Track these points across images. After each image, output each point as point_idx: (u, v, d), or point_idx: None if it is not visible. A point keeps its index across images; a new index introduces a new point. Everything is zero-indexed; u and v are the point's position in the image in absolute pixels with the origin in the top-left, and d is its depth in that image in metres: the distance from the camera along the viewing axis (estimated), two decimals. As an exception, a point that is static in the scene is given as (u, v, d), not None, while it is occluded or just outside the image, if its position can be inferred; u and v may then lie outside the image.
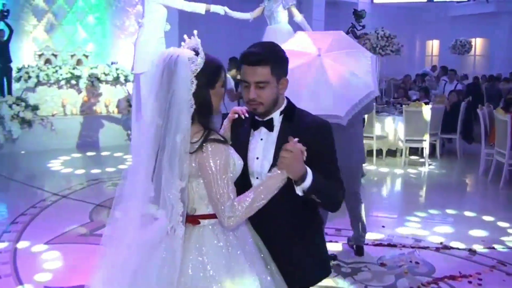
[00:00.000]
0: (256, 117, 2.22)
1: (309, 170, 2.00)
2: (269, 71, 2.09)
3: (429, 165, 8.83)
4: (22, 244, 4.86)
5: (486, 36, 19.63)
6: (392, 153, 9.43)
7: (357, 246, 4.70)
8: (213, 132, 1.98)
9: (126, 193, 2.00)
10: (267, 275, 2.05)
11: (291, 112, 2.21)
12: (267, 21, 6.71)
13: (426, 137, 8.61)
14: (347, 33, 9.11)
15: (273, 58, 2.12)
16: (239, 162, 2.07)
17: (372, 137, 8.50)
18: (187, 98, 1.92)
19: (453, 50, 16.65)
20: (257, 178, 2.20)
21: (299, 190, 2.02)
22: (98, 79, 10.78)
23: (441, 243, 5.00)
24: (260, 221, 2.14)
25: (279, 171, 1.98)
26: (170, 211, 1.93)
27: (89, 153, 9.65)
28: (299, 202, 2.12)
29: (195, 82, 1.93)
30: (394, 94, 12.42)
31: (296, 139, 1.97)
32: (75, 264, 4.33)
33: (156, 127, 1.95)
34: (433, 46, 21.95)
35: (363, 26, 10.66)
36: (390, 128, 9.05)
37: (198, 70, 1.94)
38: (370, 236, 5.02)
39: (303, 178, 1.99)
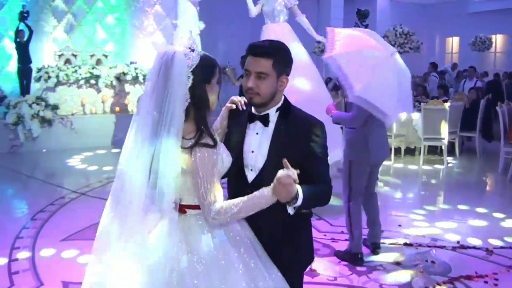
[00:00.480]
0: (253, 111, 2.30)
1: (299, 192, 2.03)
2: (271, 65, 2.19)
3: (448, 163, 8.75)
4: (40, 240, 4.95)
5: (506, 32, 19.29)
6: (410, 151, 9.37)
7: (373, 244, 4.69)
8: (205, 135, 2.06)
9: (125, 184, 2.08)
10: (256, 260, 2.12)
11: (287, 110, 2.29)
12: (264, 19, 6.59)
13: (445, 135, 8.52)
14: None
15: (277, 54, 2.21)
16: (228, 159, 2.16)
17: (390, 135, 8.43)
18: (183, 92, 2.02)
19: (473, 47, 16.43)
20: (251, 170, 2.28)
21: (290, 210, 2.07)
22: (118, 78, 10.93)
23: (458, 242, 4.95)
24: (252, 226, 2.24)
25: (271, 194, 2.01)
26: (164, 199, 2.02)
27: (107, 151, 9.77)
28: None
29: (191, 77, 2.04)
30: (413, 92, 12.29)
31: (294, 171, 1.98)
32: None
33: (152, 120, 2.03)
34: (453, 43, 21.69)
35: (366, 26, 10.62)
36: (408, 126, 8.97)
37: (195, 65, 2.05)
38: (386, 235, 5.01)
39: (294, 198, 2.03)
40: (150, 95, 2.04)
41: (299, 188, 2.03)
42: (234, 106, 2.42)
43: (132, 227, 2.03)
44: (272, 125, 2.27)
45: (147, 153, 2.03)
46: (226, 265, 2.04)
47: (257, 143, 2.27)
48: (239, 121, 2.36)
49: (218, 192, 2.06)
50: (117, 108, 11.00)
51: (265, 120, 2.27)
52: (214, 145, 2.06)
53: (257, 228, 2.24)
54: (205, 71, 2.08)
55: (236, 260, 2.06)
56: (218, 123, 2.45)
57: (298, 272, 2.43)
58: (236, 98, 2.43)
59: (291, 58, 2.28)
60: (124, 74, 11.02)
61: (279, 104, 2.29)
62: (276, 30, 6.36)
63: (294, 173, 1.98)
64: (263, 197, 2.03)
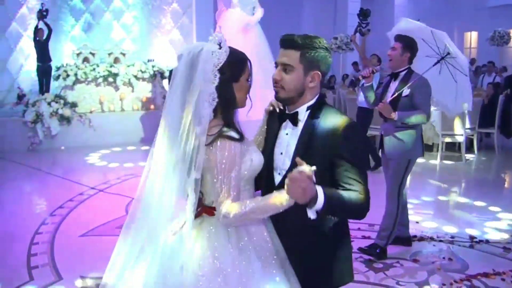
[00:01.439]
0: (286, 110, 2.17)
1: (320, 192, 1.85)
2: (298, 57, 2.05)
3: (466, 160, 8.66)
4: (59, 236, 5.03)
5: (526, 26, 18.96)
6: (428, 148, 9.27)
7: (406, 237, 4.74)
8: (230, 129, 1.97)
9: (152, 185, 2.04)
10: (280, 274, 2.01)
11: (319, 109, 2.11)
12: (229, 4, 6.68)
13: (463, 131, 8.44)
14: (355, 32, 9.06)
15: (307, 47, 2.05)
16: (258, 160, 2.07)
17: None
18: (209, 91, 1.94)
19: (492, 41, 16.16)
20: (279, 174, 2.14)
21: (310, 213, 1.87)
22: (136, 76, 11.04)
23: (475, 239, 4.91)
24: (280, 238, 2.12)
25: (286, 195, 1.85)
26: (186, 201, 1.98)
27: (125, 148, 9.86)
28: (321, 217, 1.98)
29: (218, 75, 1.95)
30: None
31: (309, 167, 1.80)
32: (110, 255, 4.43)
33: (178, 119, 1.97)
34: (472, 38, 21.38)
35: (368, 23, 10.60)
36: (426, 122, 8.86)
37: (221, 63, 1.96)
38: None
39: (314, 200, 1.84)
40: (176, 92, 1.98)
41: (319, 189, 1.85)
42: (271, 108, 2.29)
43: (155, 233, 2.01)
44: (301, 124, 2.11)
45: (174, 152, 1.98)
46: (247, 274, 1.95)
47: (286, 144, 2.13)
48: (274, 124, 2.23)
49: (234, 188, 1.94)
50: (135, 106, 11.18)
51: (294, 119, 2.12)
52: (239, 139, 1.97)
53: (285, 241, 2.11)
54: (233, 69, 1.99)
55: (258, 271, 1.96)
56: (259, 128, 2.34)
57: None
58: (275, 101, 2.26)
59: (325, 55, 2.09)
60: (142, 72, 11.12)
61: (311, 102, 2.12)
62: (240, 18, 6.38)
63: (308, 169, 1.79)
64: (278, 197, 1.88)
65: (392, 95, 4.36)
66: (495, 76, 12.48)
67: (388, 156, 4.46)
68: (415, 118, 4.28)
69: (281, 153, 2.14)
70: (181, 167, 1.96)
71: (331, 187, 1.98)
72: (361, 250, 4.50)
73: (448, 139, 8.74)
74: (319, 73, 2.09)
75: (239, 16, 6.50)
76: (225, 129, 1.96)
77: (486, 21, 18.68)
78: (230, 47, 2.02)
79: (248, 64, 2.06)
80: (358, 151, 2.06)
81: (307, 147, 2.06)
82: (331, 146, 2.01)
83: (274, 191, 1.94)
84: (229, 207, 1.91)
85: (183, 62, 1.98)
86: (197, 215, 2.04)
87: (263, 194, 2.15)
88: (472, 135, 9.05)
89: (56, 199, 6.33)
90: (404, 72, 4.40)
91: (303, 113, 2.12)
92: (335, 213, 2.00)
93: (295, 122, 2.12)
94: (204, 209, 2.05)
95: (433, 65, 4.46)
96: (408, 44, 4.34)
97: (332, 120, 2.06)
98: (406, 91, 4.28)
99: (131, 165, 8.18)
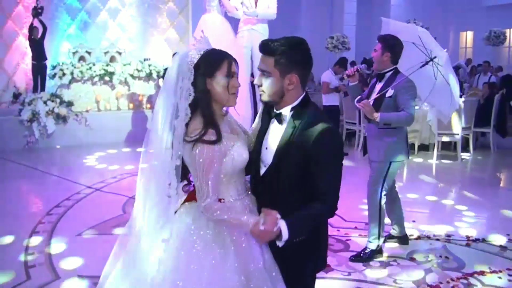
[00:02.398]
0: (275, 109, 2.29)
1: (283, 229, 2.02)
2: (273, 63, 2.15)
3: (462, 159, 8.69)
4: (56, 235, 5.01)
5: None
6: (424, 147, 9.32)
7: (403, 236, 4.76)
8: (209, 131, 2.12)
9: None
10: (258, 260, 2.16)
11: (301, 110, 2.22)
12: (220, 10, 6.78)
13: (459, 130, 8.47)
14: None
15: (281, 51, 2.14)
16: (240, 158, 2.20)
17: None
18: (186, 87, 2.14)
19: (487, 41, 16.22)
20: (264, 166, 2.28)
21: (279, 243, 2.07)
22: (132, 75, 11.03)
23: (471, 237, 4.93)
24: None
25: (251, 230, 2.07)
26: (169, 186, 2.17)
27: (121, 147, 9.85)
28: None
29: (193, 72, 2.15)
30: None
31: (273, 218, 2.01)
32: (108, 254, 4.42)
33: (166, 114, 2.17)
34: (467, 37, 21.45)
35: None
36: (422, 122, 8.91)
37: (194, 62, 2.16)
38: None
39: (280, 236, 2.03)
40: (164, 90, 2.20)
41: (283, 226, 2.02)
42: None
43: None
44: (285, 124, 2.23)
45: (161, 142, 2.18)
46: (220, 256, 2.12)
47: (271, 140, 2.26)
48: (266, 118, 2.35)
49: (212, 188, 2.12)
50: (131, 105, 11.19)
51: (278, 118, 2.24)
52: (216, 141, 2.11)
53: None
54: (207, 65, 2.16)
55: (231, 252, 2.13)
56: (257, 117, 2.48)
57: (307, 277, 2.36)
58: None
59: (302, 56, 2.19)
60: (138, 71, 11.13)
61: (295, 103, 2.22)
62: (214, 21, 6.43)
63: (270, 220, 2.00)
64: (246, 223, 2.07)
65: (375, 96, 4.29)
66: (491, 76, 12.55)
67: (370, 158, 4.42)
68: (397, 120, 4.16)
69: (266, 148, 2.28)
70: (165, 152, 2.16)
71: (305, 188, 2.15)
72: (356, 259, 4.43)
73: (444, 139, 8.76)
74: (297, 75, 2.18)
75: (221, 20, 6.62)
76: (203, 132, 2.11)
77: (481, 21, 18.76)
78: (213, 49, 2.23)
79: (227, 62, 2.19)
80: (333, 156, 2.17)
81: (288, 146, 2.17)
82: (308, 150, 2.11)
83: (249, 217, 2.08)
84: (206, 207, 2.11)
85: (176, 61, 2.20)
86: (188, 200, 2.28)
87: (250, 182, 2.37)
88: (468, 135, 9.08)
89: (52, 198, 6.32)
90: (389, 73, 4.31)
91: (287, 113, 2.24)
92: (302, 234, 2.14)
93: (279, 121, 2.25)
94: (193, 196, 2.25)
95: (420, 67, 4.29)
96: (388, 44, 4.25)
97: (312, 124, 2.15)
98: (390, 91, 4.19)
99: (128, 164, 8.17)
